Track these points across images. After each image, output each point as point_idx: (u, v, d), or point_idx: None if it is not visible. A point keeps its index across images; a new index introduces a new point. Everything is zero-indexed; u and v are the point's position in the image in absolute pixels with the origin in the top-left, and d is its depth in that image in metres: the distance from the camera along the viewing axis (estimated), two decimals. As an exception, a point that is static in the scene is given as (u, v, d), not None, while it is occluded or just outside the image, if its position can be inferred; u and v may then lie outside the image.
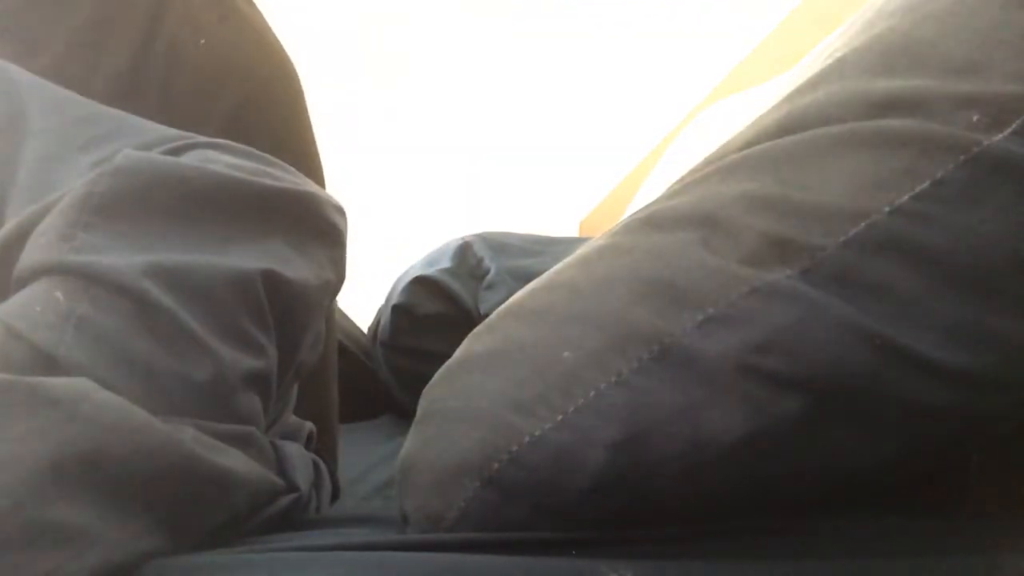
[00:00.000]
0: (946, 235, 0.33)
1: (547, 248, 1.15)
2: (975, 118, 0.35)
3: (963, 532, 0.36)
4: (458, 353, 0.39)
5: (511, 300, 0.39)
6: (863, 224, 0.33)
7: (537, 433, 0.33)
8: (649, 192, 1.06)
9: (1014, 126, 0.34)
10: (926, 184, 0.34)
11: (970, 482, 0.39)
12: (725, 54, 1.21)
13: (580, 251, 0.41)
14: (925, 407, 0.33)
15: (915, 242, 0.33)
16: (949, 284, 0.33)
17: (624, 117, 1.57)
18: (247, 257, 0.41)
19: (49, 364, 0.34)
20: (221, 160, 0.44)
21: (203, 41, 0.53)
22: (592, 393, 0.33)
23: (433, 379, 0.39)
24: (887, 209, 0.33)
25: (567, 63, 1.64)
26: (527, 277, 0.99)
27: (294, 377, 0.48)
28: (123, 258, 0.37)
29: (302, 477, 0.46)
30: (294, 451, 0.46)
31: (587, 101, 1.63)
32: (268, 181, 0.44)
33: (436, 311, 1.05)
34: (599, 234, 0.43)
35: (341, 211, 0.50)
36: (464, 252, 1.11)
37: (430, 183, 1.65)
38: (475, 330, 0.40)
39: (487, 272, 1.08)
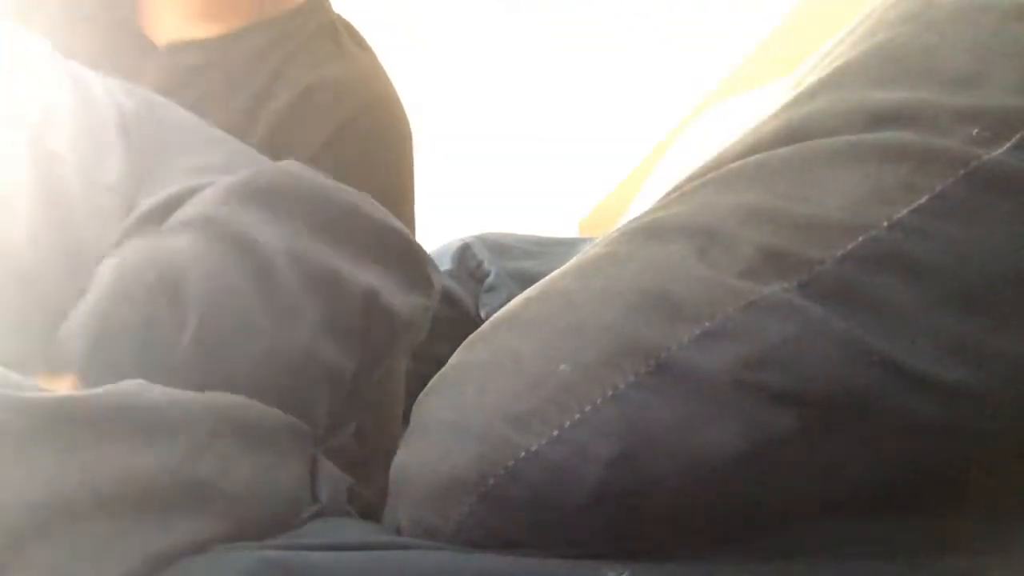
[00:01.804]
0: (945, 250, 0.33)
1: (547, 249, 1.15)
2: (975, 132, 0.34)
3: (960, 534, 0.36)
4: (451, 362, 0.39)
5: (505, 309, 0.39)
6: (861, 238, 0.33)
7: (533, 448, 0.32)
8: (649, 194, 1.06)
9: (1014, 140, 0.34)
10: (925, 198, 0.33)
11: (967, 498, 0.39)
12: (725, 54, 1.21)
13: (575, 260, 0.40)
14: (922, 423, 0.33)
15: (914, 257, 0.33)
16: (947, 299, 0.33)
17: (624, 117, 1.56)
18: (359, 272, 0.47)
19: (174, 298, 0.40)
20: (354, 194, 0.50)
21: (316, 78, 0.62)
22: (588, 408, 0.32)
23: (426, 388, 0.39)
24: (886, 223, 0.33)
25: (567, 63, 1.63)
26: (527, 279, 0.98)
27: (356, 401, 0.51)
28: (263, 234, 0.44)
29: (326, 494, 0.46)
30: (330, 470, 0.47)
31: (587, 101, 1.63)
32: (390, 222, 0.51)
33: (437, 314, 1.05)
34: (599, 235, 0.43)
35: (438, 271, 0.57)
36: (464, 254, 1.11)
37: (430, 182, 1.64)
38: (468, 339, 0.40)
39: (487, 274, 1.08)
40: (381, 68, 0.69)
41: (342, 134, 0.61)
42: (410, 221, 0.70)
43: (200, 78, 0.62)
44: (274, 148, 0.58)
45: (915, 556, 0.35)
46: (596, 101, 1.62)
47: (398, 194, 0.67)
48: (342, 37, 0.67)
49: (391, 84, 0.69)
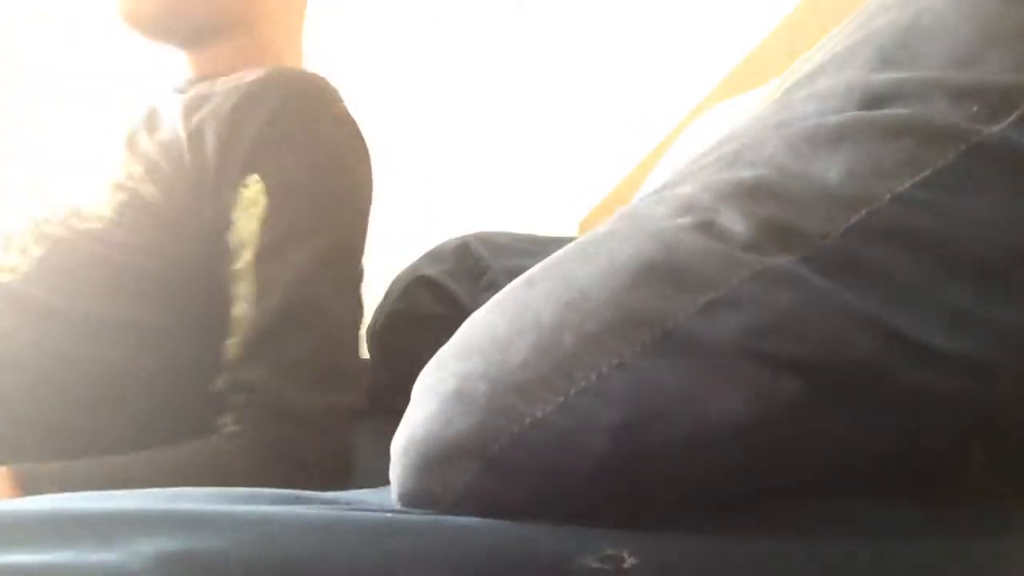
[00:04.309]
0: (947, 223, 0.33)
1: (545, 248, 1.14)
2: (975, 109, 0.35)
3: (967, 516, 0.36)
4: (454, 338, 0.39)
5: (509, 285, 0.39)
6: (864, 211, 0.34)
7: (538, 416, 0.33)
8: (648, 190, 1.05)
9: (1013, 116, 0.34)
10: (927, 172, 0.34)
11: (970, 471, 0.39)
12: (725, 54, 1.22)
13: (580, 239, 0.41)
14: (925, 393, 0.33)
15: (916, 230, 0.33)
16: (950, 271, 0.33)
17: (624, 117, 1.57)
18: None
19: None
20: None
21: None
22: (594, 376, 0.33)
23: (430, 362, 0.39)
24: (888, 197, 0.34)
25: (568, 62, 1.64)
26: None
27: None
28: None
29: None
30: None
31: (587, 101, 1.63)
32: None
33: (436, 312, 1.05)
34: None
35: None
36: (462, 251, 1.11)
37: (429, 182, 1.65)
38: (472, 315, 0.40)
39: (485, 272, 1.08)
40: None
41: (279, 113, 0.69)
42: (347, 194, 0.73)
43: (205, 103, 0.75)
44: (232, 127, 0.68)
45: (920, 537, 0.35)
46: (596, 101, 1.63)
47: (332, 167, 0.72)
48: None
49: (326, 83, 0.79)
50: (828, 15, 0.91)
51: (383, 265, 1.20)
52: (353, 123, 0.75)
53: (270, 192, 0.66)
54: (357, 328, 0.72)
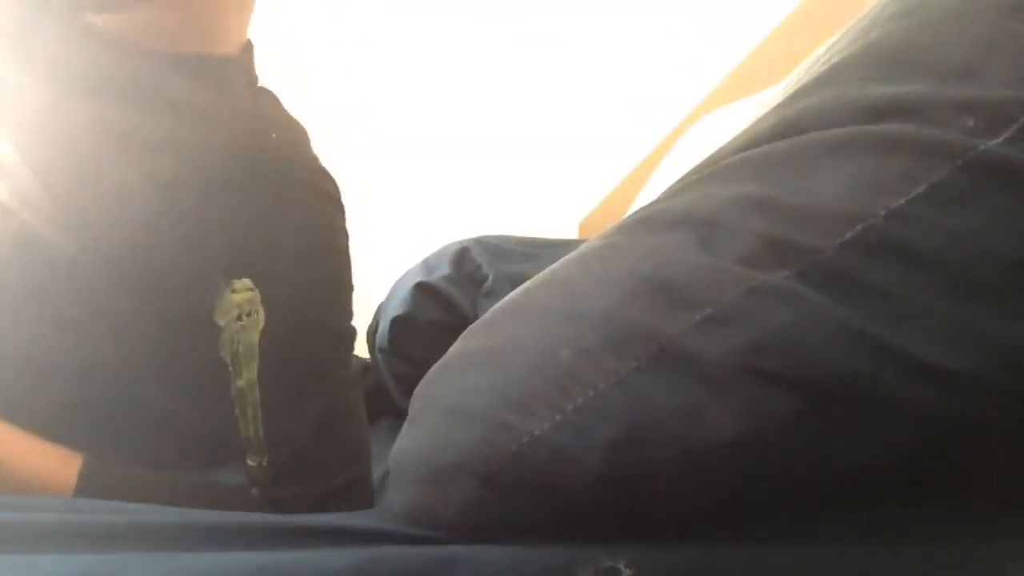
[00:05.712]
0: (942, 238, 0.33)
1: (545, 252, 1.15)
2: (971, 123, 0.35)
3: (965, 521, 0.37)
4: (453, 350, 0.39)
5: (507, 299, 0.40)
6: (859, 227, 0.34)
7: (536, 433, 0.33)
8: (648, 196, 1.06)
9: (1010, 131, 0.34)
10: (922, 188, 0.34)
11: (967, 482, 0.39)
12: (725, 54, 1.22)
13: (577, 251, 0.41)
14: (922, 409, 0.33)
15: (911, 245, 0.33)
16: (945, 287, 0.33)
17: (624, 117, 1.57)
18: None
19: None
20: None
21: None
22: (590, 393, 0.33)
23: (426, 376, 0.39)
24: (883, 212, 0.34)
25: (567, 63, 1.64)
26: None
27: None
28: None
29: None
30: None
31: (587, 101, 1.63)
32: None
33: (436, 318, 1.06)
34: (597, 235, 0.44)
35: None
36: (462, 257, 1.11)
37: (429, 183, 1.65)
38: (470, 328, 0.40)
39: (485, 278, 1.08)
40: (293, 133, 0.67)
41: (270, 211, 0.60)
42: (343, 275, 0.66)
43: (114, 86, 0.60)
44: (207, 219, 0.58)
45: (918, 543, 0.36)
46: (596, 102, 1.63)
47: (327, 252, 0.64)
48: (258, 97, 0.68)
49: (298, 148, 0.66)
50: (827, 16, 0.91)
51: (382, 269, 1.20)
52: (329, 178, 0.66)
53: (268, 300, 0.58)
54: (365, 448, 0.66)
